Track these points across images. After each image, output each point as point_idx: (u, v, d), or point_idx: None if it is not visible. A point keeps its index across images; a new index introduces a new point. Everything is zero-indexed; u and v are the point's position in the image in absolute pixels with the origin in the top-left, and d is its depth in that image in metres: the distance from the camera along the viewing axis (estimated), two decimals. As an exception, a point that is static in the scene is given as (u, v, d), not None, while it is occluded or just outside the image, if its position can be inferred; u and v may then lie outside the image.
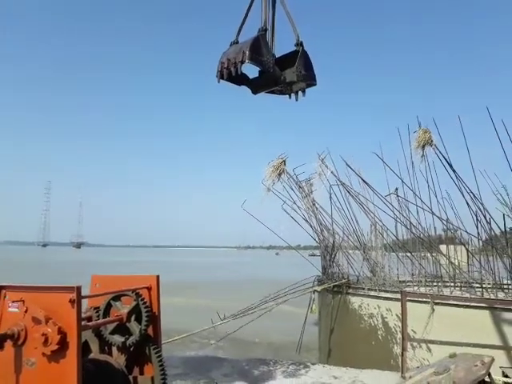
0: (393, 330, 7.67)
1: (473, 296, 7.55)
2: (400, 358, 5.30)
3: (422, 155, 8.70)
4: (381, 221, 9.61)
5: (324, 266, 10.31)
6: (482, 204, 8.29)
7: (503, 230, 8.48)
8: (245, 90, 4.78)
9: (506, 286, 8.20)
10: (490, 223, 8.33)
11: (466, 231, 9.10)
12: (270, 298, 9.10)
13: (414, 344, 7.04)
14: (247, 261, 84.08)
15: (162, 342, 3.45)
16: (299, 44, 4.52)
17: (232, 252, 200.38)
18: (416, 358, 6.99)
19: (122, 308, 3.28)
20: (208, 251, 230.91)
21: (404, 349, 5.02)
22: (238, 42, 4.36)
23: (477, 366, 3.27)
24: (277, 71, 4.41)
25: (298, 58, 4.44)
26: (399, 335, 7.03)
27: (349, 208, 9.74)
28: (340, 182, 9.82)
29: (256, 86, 4.77)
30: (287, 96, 4.74)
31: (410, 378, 3.63)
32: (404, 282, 9.23)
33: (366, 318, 8.22)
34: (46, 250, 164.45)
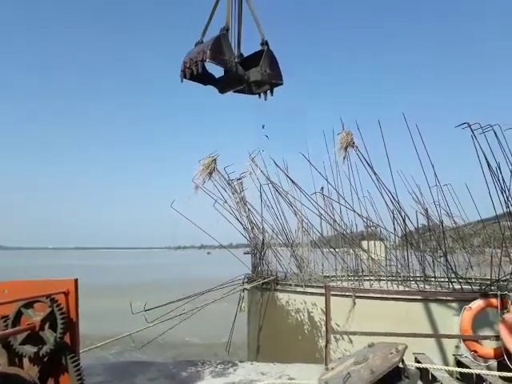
0: (318, 323, 8.00)
1: (390, 288, 8.14)
2: (324, 350, 5.53)
3: (345, 156, 9.18)
4: (307, 218, 9.99)
5: (254, 264, 10.44)
6: (398, 203, 8.96)
7: (416, 226, 9.25)
8: (211, 89, 4.77)
9: (418, 279, 8.93)
10: (405, 220, 9.02)
11: (385, 228, 9.81)
12: (198, 297, 9.01)
13: (338, 336, 7.40)
14: (177, 261, 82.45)
15: (83, 350, 3.24)
16: (264, 43, 4.55)
17: (162, 252, 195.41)
18: (339, 350, 7.36)
19: (35, 315, 3.01)
20: (137, 252, 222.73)
21: (328, 341, 5.24)
22: (202, 42, 4.35)
23: (392, 353, 3.49)
24: (240, 70, 4.41)
25: (263, 58, 4.47)
26: (324, 328, 7.34)
27: (278, 206, 9.99)
28: (270, 181, 10.02)
29: (222, 85, 4.78)
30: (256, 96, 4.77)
31: (333, 369, 3.79)
32: (329, 276, 9.67)
33: (293, 314, 8.47)
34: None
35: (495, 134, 7.49)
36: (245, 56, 4.66)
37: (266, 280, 9.10)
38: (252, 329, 9.78)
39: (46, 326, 3.02)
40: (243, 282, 9.72)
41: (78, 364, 3.09)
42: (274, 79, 4.56)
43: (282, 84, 4.65)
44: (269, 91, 4.70)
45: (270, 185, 9.99)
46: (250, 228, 10.31)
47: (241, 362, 5.58)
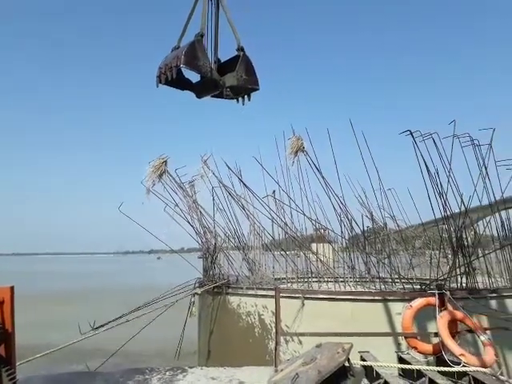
0: (268, 326, 8.06)
1: (337, 289, 8.39)
2: (274, 352, 5.58)
3: (294, 161, 9.37)
4: (259, 222, 10.06)
5: (205, 268, 10.34)
6: (345, 206, 9.28)
7: (362, 229, 9.63)
8: (189, 94, 4.82)
9: (364, 280, 9.28)
10: (351, 223, 9.36)
11: (333, 231, 10.11)
12: (148, 304, 8.77)
13: (288, 338, 7.51)
14: (125, 267, 79.64)
15: (20, 362, 3.04)
16: (240, 49, 4.62)
17: (109, 258, 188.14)
18: (289, 351, 7.45)
19: (-36, 328, 2.79)
20: (82, 258, 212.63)
21: (277, 343, 5.28)
22: (179, 47, 4.38)
23: (338, 353, 3.61)
24: (215, 75, 4.46)
25: (239, 63, 4.54)
26: (274, 331, 7.43)
27: (230, 210, 9.98)
28: (222, 184, 9.99)
29: (199, 90, 4.82)
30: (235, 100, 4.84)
31: (282, 370, 3.85)
32: (279, 279, 9.79)
33: (244, 317, 8.48)
34: None
35: (434, 141, 7.97)
36: (222, 61, 4.75)
37: (218, 284, 9.03)
38: (203, 333, 9.66)
39: (-23, 338, 2.81)
40: (194, 287, 9.59)
41: (14, 377, 2.90)
42: (250, 84, 4.65)
43: (258, 89, 4.74)
44: (246, 96, 4.79)
45: (223, 188, 9.96)
46: (201, 232, 10.20)
47: (190, 367, 5.50)
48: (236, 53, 4.68)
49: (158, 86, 4.39)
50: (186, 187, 10.05)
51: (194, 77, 4.71)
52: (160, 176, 9.58)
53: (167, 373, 5.21)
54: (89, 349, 9.73)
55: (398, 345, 6.62)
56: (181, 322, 9.60)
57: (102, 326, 7.97)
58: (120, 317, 8.47)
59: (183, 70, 4.33)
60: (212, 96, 4.84)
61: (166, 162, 9.67)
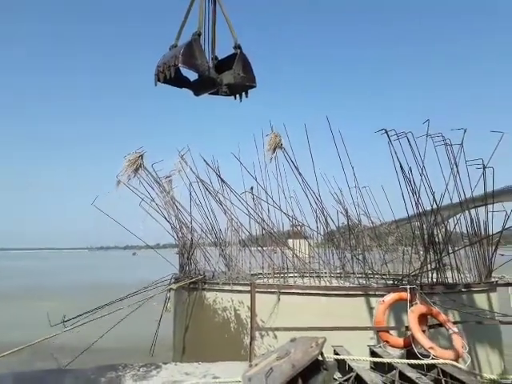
0: (244, 321, 8.09)
1: (312, 284, 8.50)
2: (249, 347, 5.61)
3: (272, 157, 9.40)
4: (237, 218, 10.05)
5: (181, 264, 10.26)
6: (321, 203, 9.39)
7: (337, 225, 9.78)
8: (186, 91, 4.96)
9: (338, 275, 9.42)
10: (327, 220, 9.48)
11: (309, 227, 10.22)
12: (122, 300, 8.65)
13: (263, 333, 7.56)
14: (99, 263, 78.12)
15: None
16: (237, 47, 4.75)
17: (83, 254, 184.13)
18: (264, 346, 7.51)
19: None
20: (53, 254, 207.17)
21: (252, 338, 5.32)
22: (177, 46, 4.48)
23: (312, 347, 3.64)
24: (213, 74, 4.58)
25: (236, 61, 4.68)
26: (250, 326, 7.46)
27: (208, 205, 9.92)
28: (199, 179, 9.91)
29: (197, 88, 4.94)
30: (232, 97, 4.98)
31: (256, 365, 3.86)
32: (256, 274, 9.83)
33: (220, 312, 8.48)
34: None
35: (408, 140, 8.14)
36: (220, 59, 4.87)
37: (194, 279, 8.99)
38: (178, 329, 9.61)
39: None
40: (170, 283, 9.51)
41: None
42: (247, 82, 4.80)
43: (255, 86, 4.88)
44: (243, 93, 4.93)
45: (200, 183, 9.89)
46: (178, 227, 10.11)
47: (164, 363, 5.46)
48: (233, 51, 4.81)
49: (156, 85, 4.49)
50: (163, 182, 9.93)
51: (191, 75, 4.82)
52: (136, 170, 9.42)
53: (141, 369, 5.16)
54: (59, 347, 9.51)
55: (371, 339, 6.77)
56: (156, 318, 9.51)
57: (72, 319, 7.82)
58: (88, 312, 8.32)
59: (181, 68, 4.43)
60: (209, 93, 4.96)
61: (142, 156, 9.52)
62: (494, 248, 8.60)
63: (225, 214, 10.00)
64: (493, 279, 8.51)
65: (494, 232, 8.51)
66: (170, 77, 4.31)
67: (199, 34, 4.42)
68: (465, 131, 8.36)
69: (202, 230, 10.04)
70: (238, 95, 4.97)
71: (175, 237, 10.32)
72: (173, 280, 9.86)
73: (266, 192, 10.05)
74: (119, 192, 9.25)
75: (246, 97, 4.97)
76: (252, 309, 5.53)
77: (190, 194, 9.85)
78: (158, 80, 4.44)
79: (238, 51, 4.75)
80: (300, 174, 9.29)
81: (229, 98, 4.99)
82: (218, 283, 8.71)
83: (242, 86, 4.84)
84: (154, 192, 9.77)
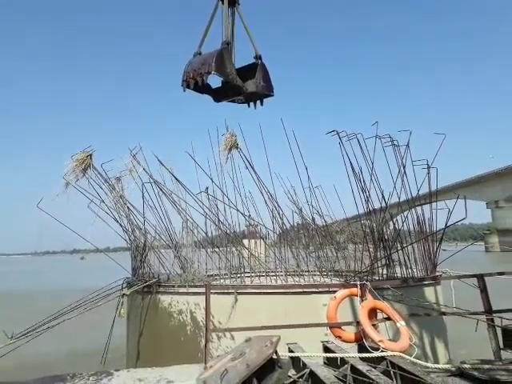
0: (201, 323, 7.98)
1: (268, 283, 8.56)
2: (204, 349, 5.53)
3: (228, 157, 9.39)
4: (192, 218, 9.92)
5: (134, 268, 9.96)
6: (276, 202, 9.50)
7: (292, 224, 9.94)
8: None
9: (293, 273, 9.56)
10: (282, 219, 9.60)
11: (265, 226, 10.30)
12: (70, 308, 8.22)
13: (220, 334, 7.50)
14: (45, 268, 74.10)
15: None
16: (258, 57, 4.97)
17: (26, 260, 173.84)
18: (221, 348, 7.45)
19: None
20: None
21: (207, 340, 5.25)
22: (201, 53, 4.60)
23: (266, 346, 3.67)
24: (239, 82, 4.76)
25: (258, 71, 4.93)
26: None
27: (162, 206, 9.70)
28: (152, 179, 9.67)
29: (218, 95, 5.09)
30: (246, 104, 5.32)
31: (211, 367, 3.83)
32: (212, 275, 9.75)
33: (176, 315, 8.32)
34: None
35: (358, 141, 8.42)
36: (236, 68, 5.01)
37: (148, 283, 8.74)
38: (132, 335, 9.31)
39: None
40: (122, 287, 9.19)
41: None
42: (266, 91, 5.07)
43: (272, 95, 5.11)
44: (259, 101, 5.17)
45: (153, 183, 9.65)
46: (130, 229, 9.80)
47: (116, 370, 5.25)
48: (253, 60, 5.05)
49: (184, 91, 4.54)
50: (113, 182, 9.58)
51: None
52: (84, 170, 9.02)
53: (91, 378, 4.92)
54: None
55: (324, 335, 6.92)
56: (107, 326, 9.15)
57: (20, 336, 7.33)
58: (33, 327, 7.85)
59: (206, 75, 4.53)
60: (228, 101, 5.14)
61: (91, 155, 9.13)
62: (438, 244, 9.08)
63: (179, 214, 9.84)
64: (437, 273, 8.99)
65: (438, 229, 8.99)
66: (202, 83, 4.39)
67: (228, 43, 4.60)
68: (410, 133, 8.78)
69: (155, 232, 9.80)
70: (252, 103, 5.19)
71: (127, 239, 9.99)
72: (125, 284, 9.54)
73: (222, 192, 10.02)
74: (64, 193, 8.79)
75: (261, 105, 5.16)
76: (207, 310, 5.47)
77: (143, 194, 9.60)
78: (188, 86, 4.51)
79: (259, 61, 4.96)
80: (256, 173, 9.35)
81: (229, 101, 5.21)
82: (173, 286, 8.54)
83: (261, 95, 5.08)
84: (103, 193, 9.41)
